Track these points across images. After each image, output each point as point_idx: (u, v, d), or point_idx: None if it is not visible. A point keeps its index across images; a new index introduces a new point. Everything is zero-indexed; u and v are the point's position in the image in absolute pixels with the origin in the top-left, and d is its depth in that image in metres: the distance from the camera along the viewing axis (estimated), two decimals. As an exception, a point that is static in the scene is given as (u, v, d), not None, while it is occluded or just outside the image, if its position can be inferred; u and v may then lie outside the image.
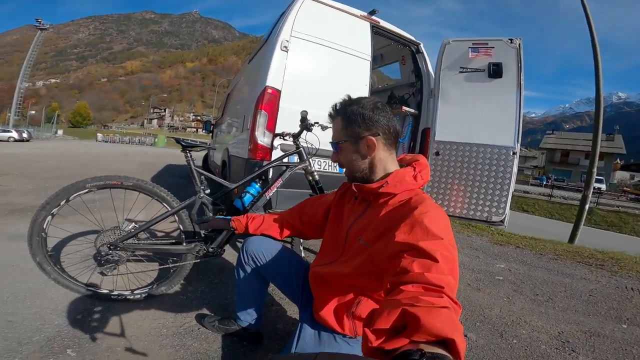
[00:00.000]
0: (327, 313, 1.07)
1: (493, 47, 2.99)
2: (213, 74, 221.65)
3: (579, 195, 20.38)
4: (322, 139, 2.00)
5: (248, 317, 1.42)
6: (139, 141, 37.68)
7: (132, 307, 1.67)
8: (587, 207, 7.22)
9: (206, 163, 7.04)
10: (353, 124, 1.00)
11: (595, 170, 7.10)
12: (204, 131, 7.70)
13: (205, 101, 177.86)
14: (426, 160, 1.03)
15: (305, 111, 1.93)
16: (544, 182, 35.55)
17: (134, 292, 1.72)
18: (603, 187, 30.88)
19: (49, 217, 1.56)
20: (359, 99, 1.03)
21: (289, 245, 1.79)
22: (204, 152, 8.17)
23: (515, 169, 3.21)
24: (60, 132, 49.15)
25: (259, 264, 1.30)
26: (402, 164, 1.05)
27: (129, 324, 1.54)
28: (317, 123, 1.92)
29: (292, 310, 1.85)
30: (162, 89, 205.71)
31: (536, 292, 2.64)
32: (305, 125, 1.94)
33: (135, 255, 1.70)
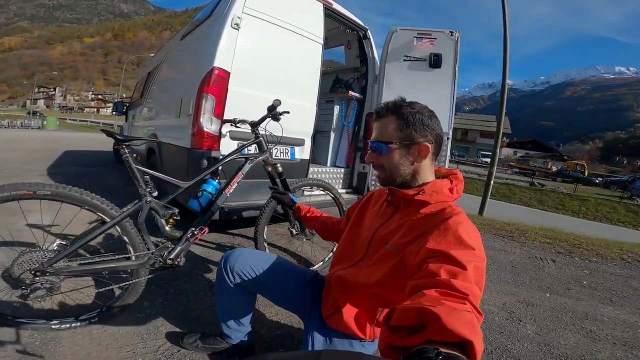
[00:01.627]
0: (349, 318, 1.03)
1: (435, 39, 3.16)
2: (119, 50, 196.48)
3: (476, 170, 23.43)
4: (275, 124, 1.90)
5: (239, 334, 1.28)
6: (21, 124, 31.23)
7: (85, 337, 1.35)
8: (492, 182, 8.35)
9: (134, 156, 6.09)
10: (410, 126, 0.92)
11: (498, 150, 8.17)
12: (113, 113, 6.64)
13: (109, 79, 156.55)
14: (462, 176, 1.01)
15: (279, 100, 1.78)
16: (449, 158, 40.14)
17: (80, 318, 1.40)
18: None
19: None
20: (413, 103, 0.96)
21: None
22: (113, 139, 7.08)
23: (448, 153, 3.56)
24: None
25: (247, 281, 1.16)
26: (438, 175, 1.01)
27: (93, 357, 1.24)
28: (287, 112, 1.79)
29: (270, 312, 1.72)
30: (51, 66, 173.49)
31: (470, 266, 2.94)
32: (274, 114, 1.78)
33: (71, 277, 1.35)
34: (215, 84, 2.18)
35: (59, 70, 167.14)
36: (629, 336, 1.95)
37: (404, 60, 3.30)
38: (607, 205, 15.26)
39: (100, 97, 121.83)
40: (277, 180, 2.00)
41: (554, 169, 37.69)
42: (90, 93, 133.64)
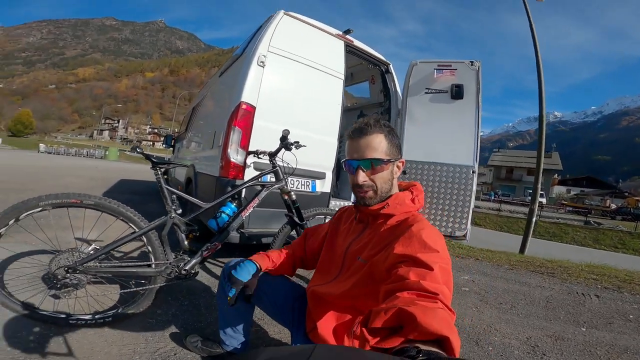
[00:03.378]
0: (327, 333, 1.05)
1: (456, 69, 3.17)
2: (174, 86, 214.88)
3: (524, 209, 22.11)
4: (297, 158, 2.00)
5: (234, 342, 1.35)
6: (87, 153, 34.89)
7: (96, 333, 1.51)
8: (534, 219, 7.84)
9: (165, 179, 6.59)
10: (395, 143, 1.01)
11: (539, 186, 7.75)
12: (163, 145, 7.30)
13: (164, 113, 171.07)
14: (422, 187, 1.07)
15: (287, 130, 1.92)
16: (492, 197, 38.04)
17: (96, 316, 1.56)
18: (544, 200, 33.67)
19: (-5, 238, 1.39)
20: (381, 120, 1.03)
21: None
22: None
23: (474, 187, 3.42)
24: (-3, 140, 44.03)
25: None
26: (400, 188, 1.09)
27: (94, 350, 1.39)
28: (297, 142, 1.92)
29: (273, 330, 1.78)
30: (117, 99, 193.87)
31: (500, 301, 2.78)
32: (286, 144, 1.92)
33: (97, 278, 1.55)
34: (242, 117, 2.38)
35: (123, 103, 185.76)
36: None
37: (426, 92, 3.34)
38: (673, 243, 13.54)
39: (155, 130, 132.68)
40: (292, 208, 2.11)
41: (613, 206, 34.22)
42: (148, 127, 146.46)
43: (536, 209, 7.79)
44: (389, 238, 0.93)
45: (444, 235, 3.18)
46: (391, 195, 1.02)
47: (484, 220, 21.73)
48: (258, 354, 0.35)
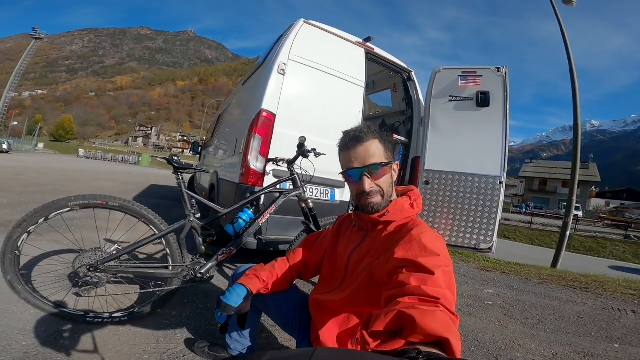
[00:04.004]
0: (330, 341, 1.05)
1: (481, 76, 3.04)
2: (203, 94, 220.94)
3: (558, 222, 21.05)
4: (317, 166, 2.00)
5: (239, 346, 1.36)
6: (122, 159, 36.73)
7: (110, 331, 1.57)
8: (568, 233, 7.41)
9: (192, 185, 6.76)
10: (388, 147, 1.02)
11: (575, 198, 7.33)
12: (191, 152, 7.54)
13: (193, 121, 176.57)
14: (419, 191, 1.07)
15: (304, 137, 1.92)
16: (524, 210, 36.38)
17: (113, 315, 1.62)
18: (580, 214, 31.77)
19: (25, 235, 1.48)
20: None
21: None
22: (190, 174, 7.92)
23: (502, 198, 3.23)
24: (40, 145, 47.25)
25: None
26: (397, 193, 1.08)
27: (107, 348, 1.44)
28: (314, 150, 1.92)
29: (283, 337, 1.77)
30: (151, 106, 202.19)
31: (526, 315, 2.64)
32: (303, 151, 1.92)
33: (116, 278, 1.61)
34: (263, 125, 2.42)
35: (156, 111, 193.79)
36: None
37: (450, 100, 3.22)
38: None
39: (185, 138, 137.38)
40: (309, 216, 2.10)
41: (656, 219, 31.77)
42: (178, 134, 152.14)
43: (570, 222, 7.37)
44: (389, 243, 0.93)
45: (468, 248, 3.08)
46: (390, 202, 1.02)
47: (513, 233, 20.87)
48: (261, 356, 0.37)
